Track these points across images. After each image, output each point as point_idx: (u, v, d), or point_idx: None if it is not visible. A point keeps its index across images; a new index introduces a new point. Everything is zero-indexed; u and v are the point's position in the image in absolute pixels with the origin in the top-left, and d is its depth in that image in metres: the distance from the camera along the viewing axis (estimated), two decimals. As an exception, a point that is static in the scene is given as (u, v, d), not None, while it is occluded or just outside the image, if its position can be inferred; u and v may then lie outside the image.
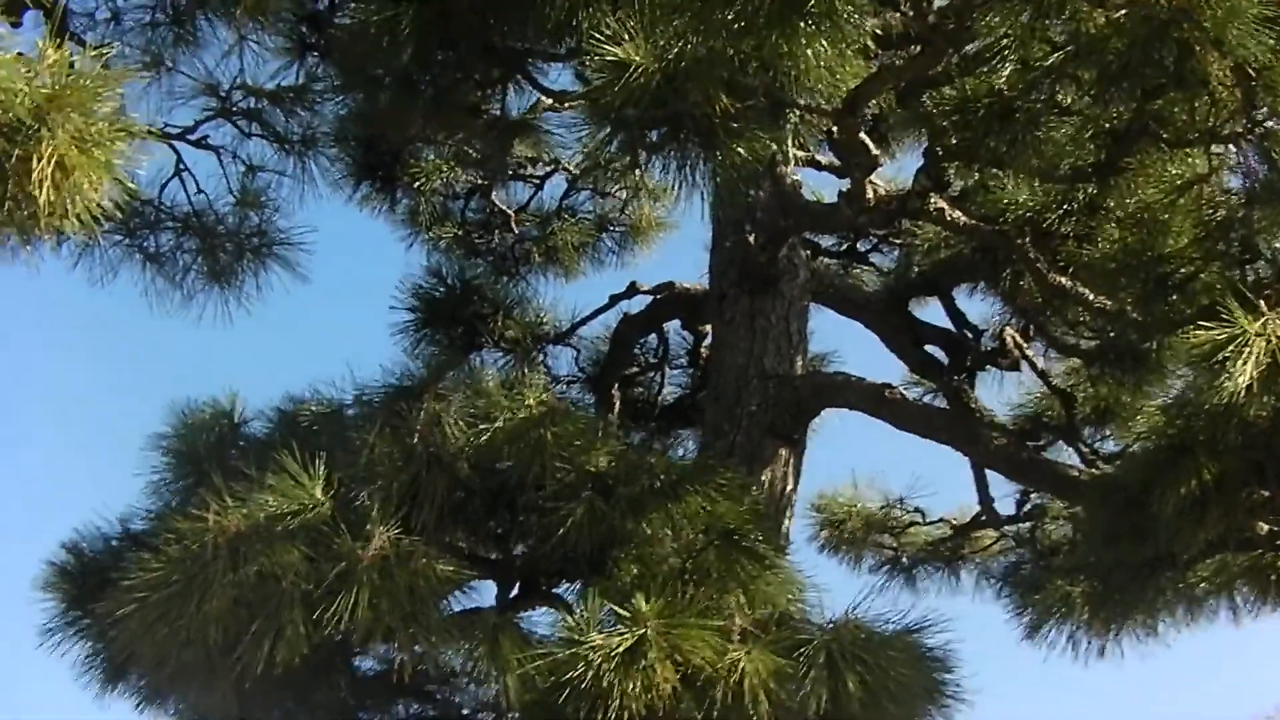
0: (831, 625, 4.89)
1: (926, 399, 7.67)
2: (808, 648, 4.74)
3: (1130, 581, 5.81)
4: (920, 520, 8.82)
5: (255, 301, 7.44)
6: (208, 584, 4.57)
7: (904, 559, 8.87)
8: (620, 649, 4.48)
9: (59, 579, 5.71)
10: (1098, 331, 7.07)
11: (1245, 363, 4.34)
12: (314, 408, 6.11)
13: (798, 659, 4.70)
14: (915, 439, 7.07)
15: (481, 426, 5.41)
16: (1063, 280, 6.23)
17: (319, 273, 7.44)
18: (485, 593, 5.51)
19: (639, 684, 4.43)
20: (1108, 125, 5.45)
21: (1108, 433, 7.89)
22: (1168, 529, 4.95)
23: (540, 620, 5.34)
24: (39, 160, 3.95)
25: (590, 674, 4.43)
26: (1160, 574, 5.83)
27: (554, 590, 5.56)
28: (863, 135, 5.58)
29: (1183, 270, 5.53)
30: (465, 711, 6.84)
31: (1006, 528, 8.39)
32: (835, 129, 5.73)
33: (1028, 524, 8.26)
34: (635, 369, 8.50)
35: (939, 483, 8.71)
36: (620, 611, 4.65)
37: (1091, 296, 6.25)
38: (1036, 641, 7.23)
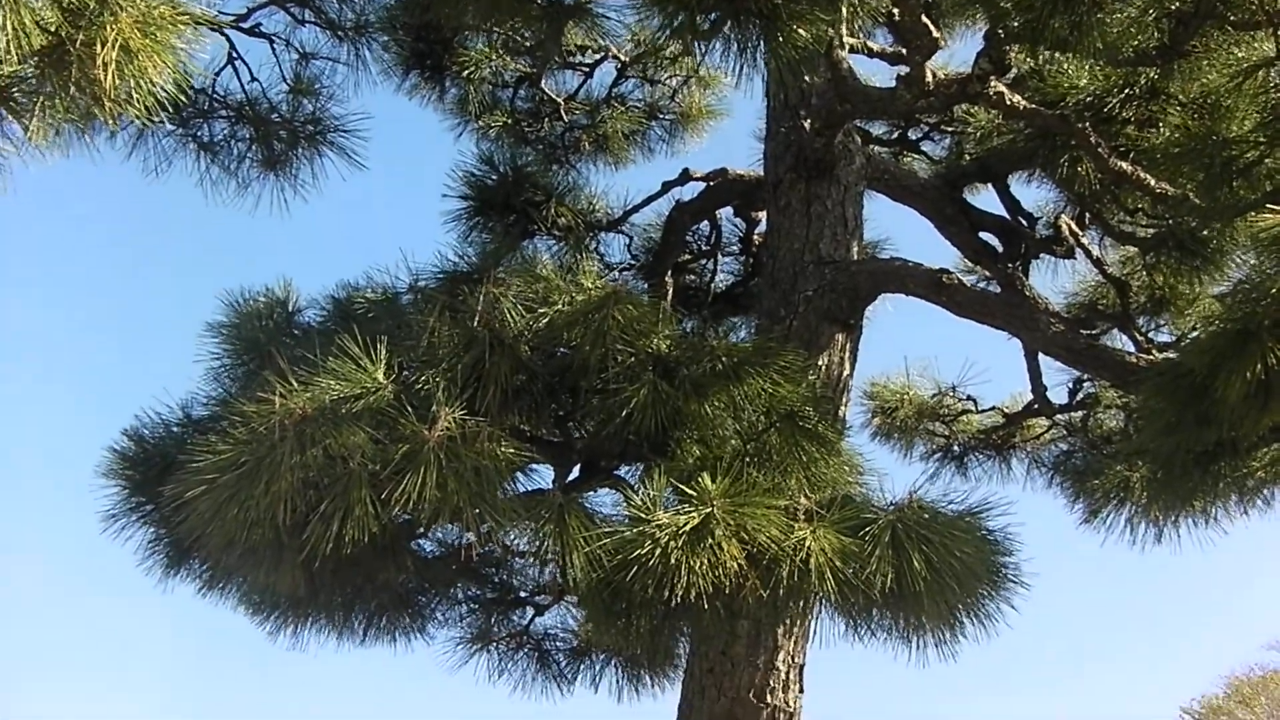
0: (895, 505, 4.91)
1: (980, 286, 7.64)
2: (873, 527, 4.76)
3: (1189, 468, 5.79)
4: (972, 408, 8.85)
5: (311, 189, 7.43)
6: (276, 465, 4.57)
7: (955, 447, 8.91)
8: (687, 527, 4.51)
9: (122, 465, 5.75)
10: (1156, 218, 7.01)
11: (1312, 245, 4.32)
12: (369, 294, 6.11)
13: (863, 538, 4.73)
14: (965, 328, 7.03)
15: (541, 310, 5.41)
16: (1123, 165, 6.17)
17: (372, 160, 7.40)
18: (545, 478, 5.55)
19: (706, 561, 4.47)
20: (1172, 7, 5.37)
21: (1162, 322, 7.87)
22: (1231, 414, 4.93)
23: (601, 502, 5.35)
24: (103, 44, 3.95)
25: (657, 552, 4.47)
26: (1219, 461, 5.82)
27: (615, 472, 5.59)
28: (923, 17, 5.51)
29: (1247, 155, 5.47)
30: (523, 594, 6.96)
31: (1059, 416, 8.40)
32: (896, 11, 5.67)
33: (1080, 413, 8.27)
34: (688, 256, 8.48)
35: (990, 372, 8.73)
36: (686, 490, 4.68)
37: (1152, 182, 6.20)
38: (1095, 526, 7.29)
